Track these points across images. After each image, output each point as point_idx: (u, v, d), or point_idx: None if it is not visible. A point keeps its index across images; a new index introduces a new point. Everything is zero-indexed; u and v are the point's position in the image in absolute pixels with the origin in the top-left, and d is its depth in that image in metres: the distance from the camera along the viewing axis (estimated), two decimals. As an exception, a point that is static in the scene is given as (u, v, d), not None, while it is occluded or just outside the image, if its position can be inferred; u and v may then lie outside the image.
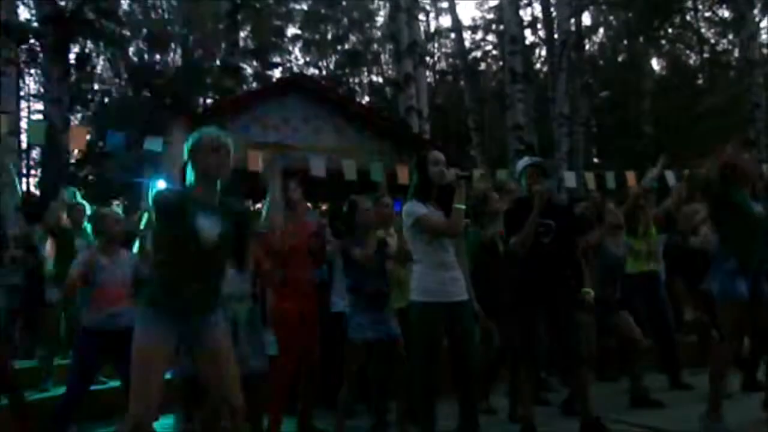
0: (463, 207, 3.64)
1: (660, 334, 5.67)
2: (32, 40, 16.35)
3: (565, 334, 4.09)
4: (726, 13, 21.96)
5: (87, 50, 21.03)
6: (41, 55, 14.55)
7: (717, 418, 4.02)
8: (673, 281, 6.09)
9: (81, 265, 4.29)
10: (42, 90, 21.11)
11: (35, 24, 14.90)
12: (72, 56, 17.58)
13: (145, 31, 23.55)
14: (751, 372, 5.36)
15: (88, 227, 4.99)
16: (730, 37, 22.23)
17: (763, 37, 22.96)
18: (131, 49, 23.96)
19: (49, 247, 5.86)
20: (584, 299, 4.41)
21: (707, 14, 23.00)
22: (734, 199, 4.17)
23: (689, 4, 21.74)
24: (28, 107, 22.94)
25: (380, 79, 28.13)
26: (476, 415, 3.81)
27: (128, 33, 22.16)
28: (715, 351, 4.38)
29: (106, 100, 23.85)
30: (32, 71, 20.59)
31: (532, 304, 4.10)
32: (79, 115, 22.49)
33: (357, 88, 27.86)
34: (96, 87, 23.85)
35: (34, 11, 16.16)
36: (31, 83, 22.27)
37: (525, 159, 4.47)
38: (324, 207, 9.63)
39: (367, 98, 26.70)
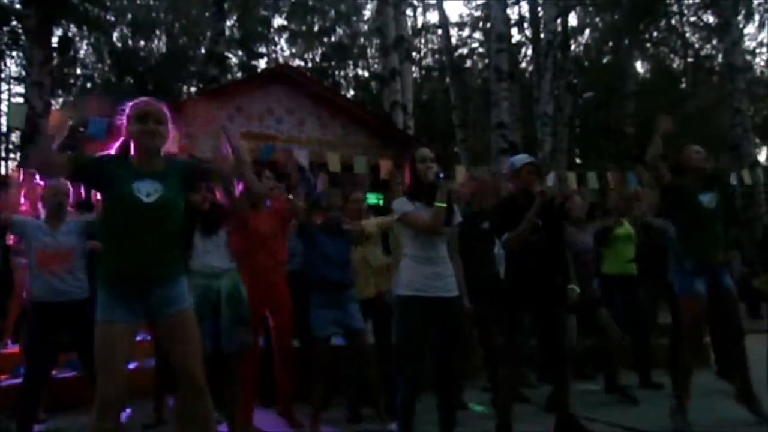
0: (444, 205, 3.63)
1: (634, 334, 5.76)
2: (14, 22, 16.15)
3: (551, 331, 4.11)
4: (711, 19, 22.22)
5: (70, 34, 20.79)
6: (23, 37, 14.37)
7: (680, 417, 4.15)
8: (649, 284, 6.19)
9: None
10: (23, 73, 20.86)
11: (17, 6, 14.71)
12: (55, 40, 17.33)
13: (129, 16, 23.33)
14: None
15: None
16: (714, 42, 22.48)
17: (747, 43, 23.32)
18: (115, 35, 23.73)
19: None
20: (569, 296, 4.46)
21: (692, 19, 23.27)
22: (684, 191, 4.32)
23: (675, 8, 21.97)
24: (9, 90, 22.70)
25: (366, 73, 28.12)
26: (455, 412, 3.81)
27: (113, 18, 21.95)
28: (681, 348, 4.49)
29: (89, 85, 23.60)
30: (14, 54, 20.35)
31: (519, 301, 4.10)
32: (60, 100, 22.25)
33: (342, 81, 27.82)
34: (78, 72, 23.60)
35: (16, -8, 15.95)
36: (12, 66, 22.02)
37: (522, 156, 4.45)
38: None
39: (352, 92, 26.67)
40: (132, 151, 2.86)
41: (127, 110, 2.86)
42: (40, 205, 4.31)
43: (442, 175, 3.72)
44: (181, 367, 2.78)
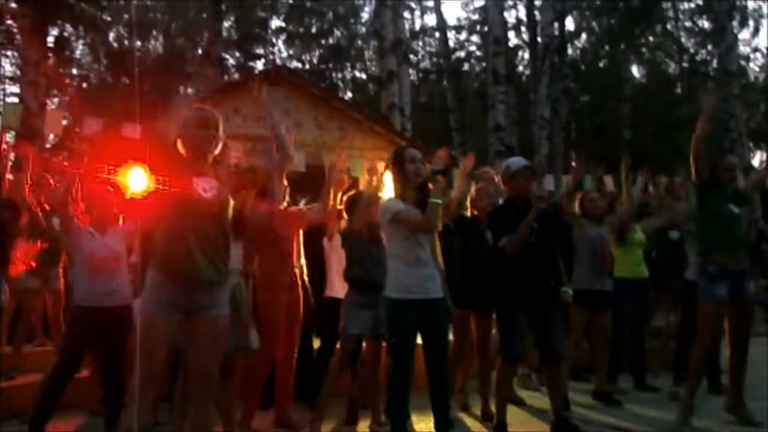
0: (439, 201, 3.63)
1: (635, 336, 5.78)
2: (9, 21, 16.07)
3: (548, 332, 4.12)
4: (706, 24, 22.31)
5: (66, 34, 20.72)
6: (18, 37, 14.31)
7: (688, 413, 4.19)
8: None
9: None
10: (18, 72, 20.78)
11: (13, 4, 14.64)
12: (50, 39, 17.29)
13: (126, 16, 23.27)
14: (715, 375, 5.50)
15: None
16: (709, 47, 22.54)
17: (741, 48, 23.39)
18: (111, 35, 23.67)
19: None
20: (563, 298, 4.48)
21: (688, 24, 23.35)
22: (718, 191, 4.34)
23: (670, 13, 22.04)
24: (3, 90, 22.59)
25: (363, 75, 28.10)
26: (449, 412, 3.82)
27: (109, 18, 21.89)
28: (695, 351, 4.49)
29: (84, 85, 23.53)
30: (8, 53, 20.27)
31: (517, 303, 4.11)
32: (56, 100, 22.18)
33: (340, 83, 27.78)
34: (74, 72, 23.52)
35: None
36: (7, 65, 21.91)
37: (518, 159, 4.45)
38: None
39: (349, 94, 26.64)
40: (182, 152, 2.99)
41: (187, 115, 3.00)
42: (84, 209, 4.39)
43: (438, 170, 3.73)
44: (196, 368, 2.85)
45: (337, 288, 4.76)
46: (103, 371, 4.32)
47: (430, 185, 3.67)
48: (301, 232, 5.09)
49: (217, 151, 3.04)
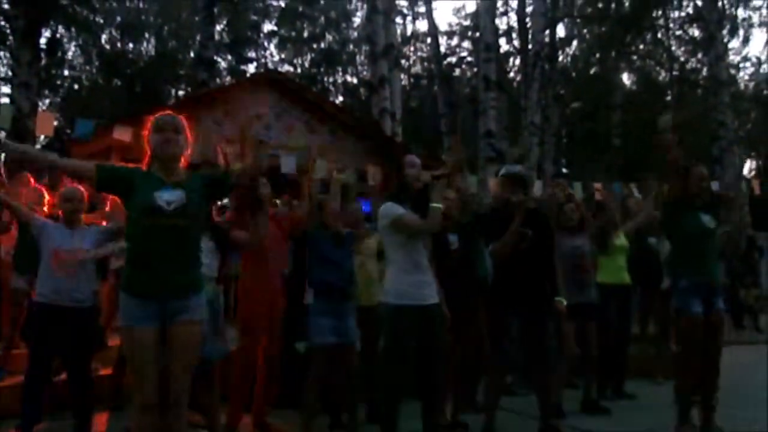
0: (440, 206, 3.65)
1: (619, 343, 5.80)
2: (2, 22, 16.03)
3: (538, 340, 4.14)
4: (696, 33, 22.47)
5: (58, 35, 20.68)
6: (11, 37, 14.26)
7: (688, 428, 4.18)
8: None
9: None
10: (10, 73, 20.70)
11: (5, 6, 14.61)
12: (43, 41, 17.25)
13: (118, 18, 23.23)
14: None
15: None
16: (699, 56, 22.72)
17: (731, 57, 23.60)
18: (104, 37, 23.63)
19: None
20: (557, 307, 4.46)
21: (678, 33, 23.50)
22: (687, 207, 4.35)
23: (661, 22, 22.17)
24: (-5, 90, 22.47)
25: (355, 80, 28.15)
26: (438, 420, 3.84)
27: (101, 20, 21.85)
28: (676, 365, 4.52)
29: (76, 86, 23.47)
30: (1, 54, 20.18)
31: (508, 310, 4.12)
32: (47, 101, 22.11)
33: (331, 87, 27.84)
34: (66, 73, 23.45)
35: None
36: (-1, 66, 21.81)
37: (503, 168, 4.49)
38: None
39: (340, 98, 26.69)
40: (154, 163, 2.95)
41: (149, 125, 2.96)
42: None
43: (438, 175, 3.75)
44: (170, 373, 2.82)
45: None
46: (68, 376, 4.21)
47: (433, 189, 3.69)
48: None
49: (182, 154, 2.97)
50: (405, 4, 25.32)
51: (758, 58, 26.89)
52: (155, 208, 2.78)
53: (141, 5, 24.28)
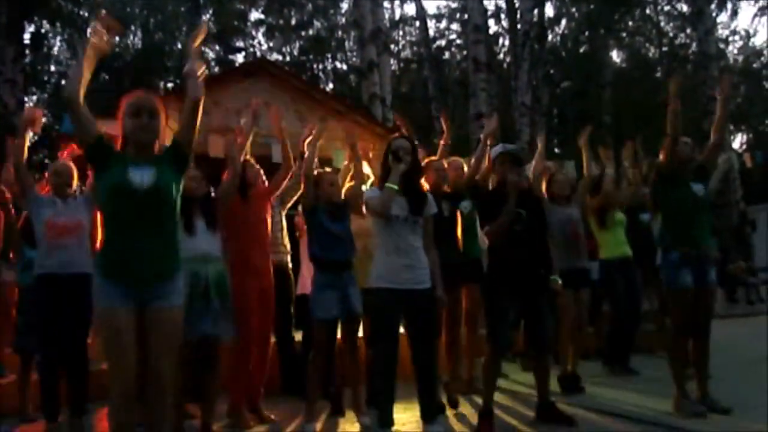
0: (394, 186, 3.65)
1: (630, 317, 5.83)
2: (-15, 19, 15.84)
3: (535, 321, 4.14)
4: (684, 8, 22.47)
5: (43, 30, 20.48)
6: (-6, 34, 14.11)
7: (686, 402, 4.18)
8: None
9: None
10: (-5, 70, 20.50)
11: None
12: (27, 36, 17.10)
13: (104, 11, 23.01)
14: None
15: None
16: (688, 31, 22.70)
17: (720, 32, 23.58)
18: (89, 31, 23.40)
19: None
20: (552, 287, 4.49)
21: (666, 8, 23.51)
22: (677, 179, 4.33)
23: (649, -2, 22.14)
24: (-19, 88, 22.28)
25: (344, 66, 28.03)
26: (435, 402, 3.84)
27: (86, 13, 21.63)
28: (669, 338, 4.53)
29: (63, 82, 23.27)
30: (-15, 51, 19.99)
31: (503, 291, 4.12)
32: (34, 97, 21.95)
33: (321, 74, 27.70)
34: (52, 68, 23.27)
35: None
36: (-16, 63, 21.61)
37: (498, 147, 4.45)
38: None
39: (330, 85, 26.57)
40: (128, 146, 2.87)
41: (122, 106, 2.88)
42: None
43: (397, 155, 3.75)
44: (149, 364, 2.76)
45: (308, 284, 4.70)
46: (65, 352, 4.16)
47: (392, 168, 3.71)
48: (283, 216, 5.12)
49: (157, 138, 2.90)
50: (392, -13, 25.22)
51: (747, 32, 26.85)
52: (128, 187, 2.72)
53: (126, -3, 24.07)
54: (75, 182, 4.39)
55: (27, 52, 16.92)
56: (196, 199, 3.92)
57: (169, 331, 2.80)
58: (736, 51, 26.94)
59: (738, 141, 27.33)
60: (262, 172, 4.69)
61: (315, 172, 4.46)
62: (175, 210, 2.88)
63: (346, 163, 5.19)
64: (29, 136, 4.28)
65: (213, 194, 4.14)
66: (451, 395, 4.76)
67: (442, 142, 5.41)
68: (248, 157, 4.58)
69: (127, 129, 2.86)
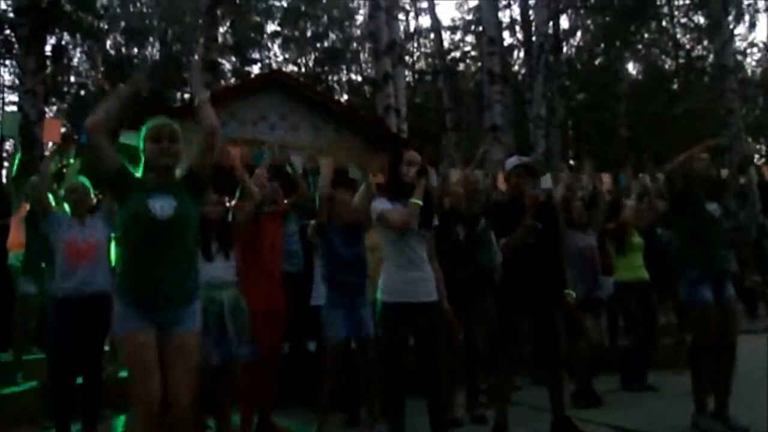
0: (420, 202, 3.64)
1: (647, 337, 5.81)
2: (7, 31, 16.12)
3: (548, 335, 4.11)
4: (701, 20, 22.33)
5: (63, 42, 20.78)
6: (16, 46, 14.34)
7: (705, 418, 4.16)
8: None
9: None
10: (17, 81, 20.82)
11: (11, 14, 14.69)
12: (48, 48, 17.33)
13: (123, 24, 23.31)
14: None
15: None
16: (705, 43, 22.57)
17: (737, 44, 23.44)
18: (108, 42, 23.71)
19: (14, 238, 5.74)
20: (566, 301, 4.45)
21: (683, 20, 23.40)
22: (692, 199, 4.29)
23: (665, 9, 22.08)
24: (2, 99, 22.63)
25: (359, 78, 28.12)
26: (445, 415, 3.82)
27: (106, 26, 21.94)
28: (690, 354, 4.48)
29: (83, 93, 23.57)
30: (7, 62, 20.32)
31: (517, 305, 4.10)
32: (54, 108, 22.22)
33: (335, 86, 27.82)
34: (72, 80, 23.57)
35: (9, 1, 15.94)
36: (5, 74, 21.97)
37: (513, 158, 4.43)
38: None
39: (345, 96, 26.67)
40: (149, 171, 2.91)
41: (143, 131, 2.92)
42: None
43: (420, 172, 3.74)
44: (168, 389, 2.77)
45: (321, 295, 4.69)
46: (83, 371, 4.21)
47: (415, 185, 3.69)
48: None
49: (177, 164, 2.93)
50: (407, 0, 25.32)
51: (765, 44, 26.59)
52: (149, 216, 2.77)
53: (145, 10, 24.36)
54: (91, 198, 4.42)
55: (48, 63, 17.14)
56: (212, 222, 3.95)
57: (187, 355, 2.84)
58: (754, 63, 26.81)
59: (756, 154, 27.09)
60: (278, 187, 4.71)
61: (328, 191, 4.48)
62: (194, 238, 2.95)
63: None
64: (51, 147, 4.33)
65: (229, 216, 4.13)
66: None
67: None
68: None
69: (147, 154, 2.90)
